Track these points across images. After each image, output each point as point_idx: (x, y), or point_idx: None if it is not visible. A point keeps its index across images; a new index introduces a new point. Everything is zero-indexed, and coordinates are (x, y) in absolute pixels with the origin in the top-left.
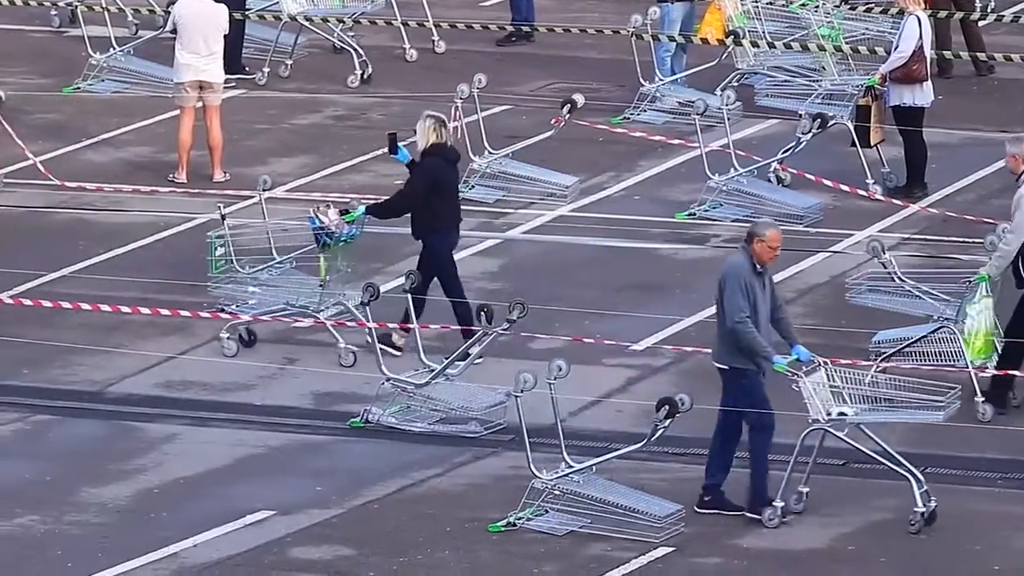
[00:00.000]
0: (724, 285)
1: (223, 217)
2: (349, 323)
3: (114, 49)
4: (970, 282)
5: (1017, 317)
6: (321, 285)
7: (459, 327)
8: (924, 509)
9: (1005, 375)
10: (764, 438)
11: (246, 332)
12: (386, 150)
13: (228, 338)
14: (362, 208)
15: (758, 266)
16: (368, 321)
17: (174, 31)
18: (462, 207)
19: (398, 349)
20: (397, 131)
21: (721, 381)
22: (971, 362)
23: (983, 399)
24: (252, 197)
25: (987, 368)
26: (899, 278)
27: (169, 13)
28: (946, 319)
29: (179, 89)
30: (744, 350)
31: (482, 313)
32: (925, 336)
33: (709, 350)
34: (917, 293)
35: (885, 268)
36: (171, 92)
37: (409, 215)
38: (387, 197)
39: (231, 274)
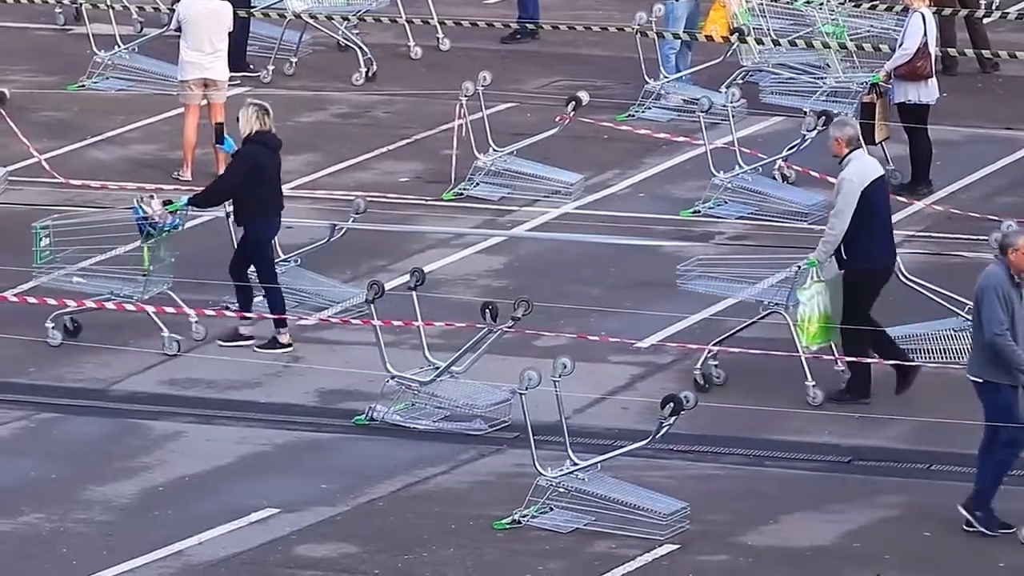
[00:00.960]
0: (982, 297)
1: (228, 215)
2: (354, 320)
3: (119, 47)
4: (799, 267)
5: (846, 306)
6: (144, 275)
7: (269, 315)
8: None
9: (859, 363)
10: (1009, 453)
11: (70, 322)
12: (214, 141)
13: (52, 328)
14: (185, 198)
15: (1016, 276)
16: (374, 318)
17: (178, 29)
18: (471, 205)
19: (248, 339)
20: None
21: (976, 395)
22: (805, 347)
23: (814, 384)
24: None
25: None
26: (903, 274)
27: (173, 11)
28: (776, 304)
29: (184, 87)
30: (1003, 364)
31: (487, 310)
32: (754, 321)
33: (712, 347)
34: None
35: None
36: (175, 90)
37: (232, 202)
38: (207, 185)
39: (54, 264)
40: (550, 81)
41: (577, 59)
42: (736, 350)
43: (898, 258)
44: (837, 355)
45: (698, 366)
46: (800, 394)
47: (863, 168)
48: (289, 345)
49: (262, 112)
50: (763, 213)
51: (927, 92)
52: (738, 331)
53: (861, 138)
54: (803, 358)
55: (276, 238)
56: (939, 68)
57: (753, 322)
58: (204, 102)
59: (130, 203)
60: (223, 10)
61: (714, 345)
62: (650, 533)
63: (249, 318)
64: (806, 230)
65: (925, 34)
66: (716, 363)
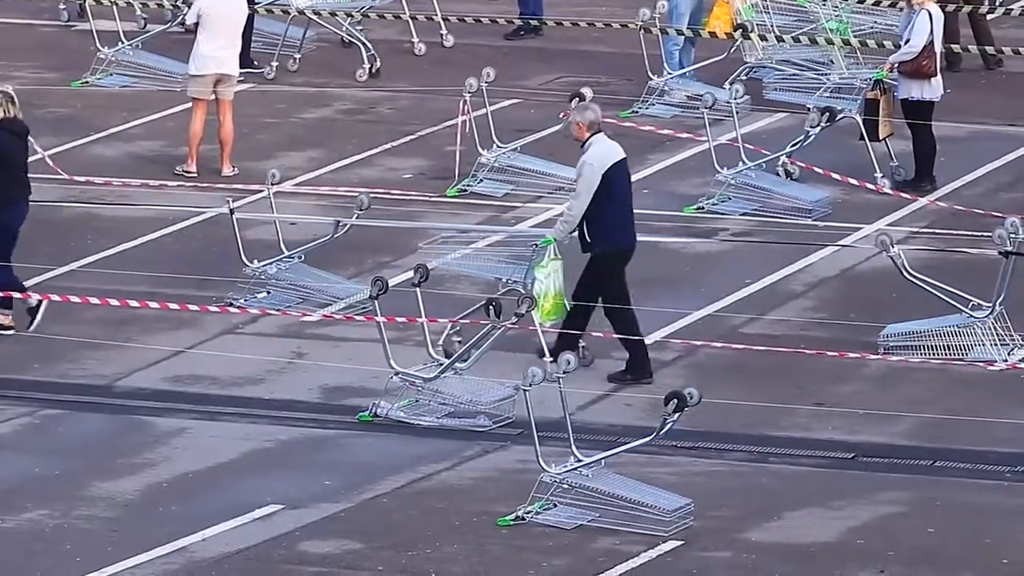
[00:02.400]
0: None
1: (231, 211)
2: (357, 317)
3: (123, 43)
4: (536, 245)
5: (583, 280)
6: None
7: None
8: None
9: (569, 334)
10: None
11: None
12: None
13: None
14: None
15: None
16: (378, 314)
17: (196, 24)
18: (474, 201)
19: (6, 329)
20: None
21: None
22: (540, 323)
23: (552, 360)
24: (261, 191)
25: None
26: (906, 271)
27: (179, 7)
28: (514, 281)
29: (197, 82)
30: None
31: (490, 307)
32: (494, 298)
33: (717, 344)
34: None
35: (893, 262)
36: (182, 85)
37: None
38: None
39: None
40: (554, 77)
41: (581, 55)
42: (740, 347)
43: (902, 255)
44: (605, 334)
45: (440, 341)
46: (802, 390)
47: (604, 151)
48: (9, 328)
49: (7, 99)
50: (767, 209)
51: (931, 89)
52: (477, 309)
53: (601, 123)
54: (540, 334)
55: (281, 234)
56: (943, 65)
57: (493, 299)
58: (212, 97)
59: (133, 199)
60: (243, 5)
61: (452, 320)
62: (654, 529)
63: (9, 305)
64: (810, 226)
65: (932, 32)
66: (459, 339)
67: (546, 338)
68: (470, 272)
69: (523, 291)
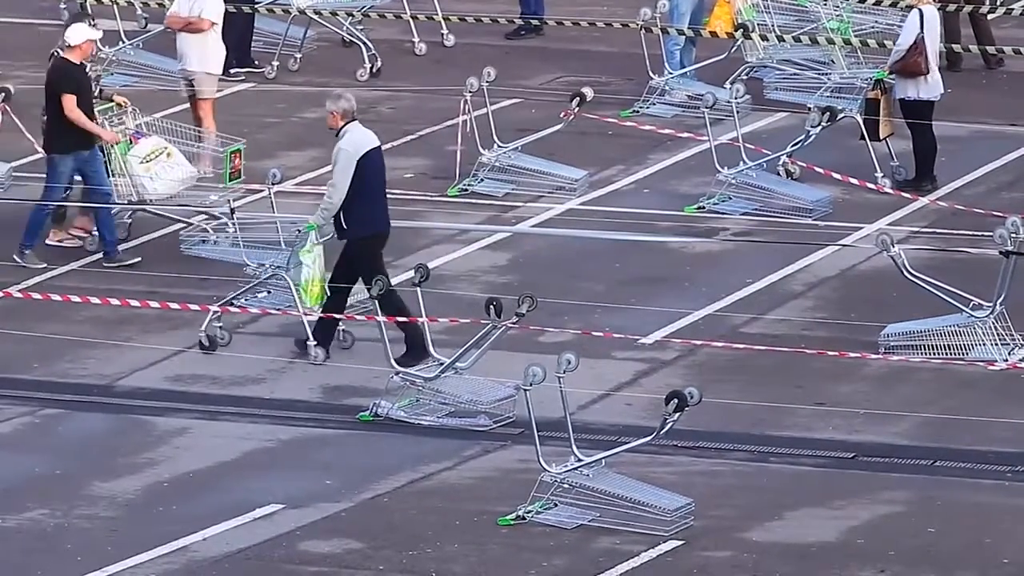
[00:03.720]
0: None
1: (232, 211)
2: (358, 317)
3: (123, 43)
4: (299, 231)
5: (339, 264)
6: None
7: None
8: None
9: (329, 318)
10: None
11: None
12: None
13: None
14: None
15: None
16: (379, 314)
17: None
18: (475, 201)
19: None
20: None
21: None
22: (308, 308)
23: (316, 343)
24: (262, 191)
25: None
26: (906, 271)
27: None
28: (277, 267)
29: (212, 80)
30: None
31: (491, 306)
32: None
33: (718, 343)
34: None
35: (894, 262)
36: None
37: None
38: None
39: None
40: (554, 77)
41: (581, 55)
42: (741, 346)
43: (903, 255)
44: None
45: (203, 328)
46: (803, 390)
47: (358, 139)
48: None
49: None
50: (767, 209)
51: (927, 89)
52: (242, 293)
53: (356, 111)
54: (304, 319)
55: (281, 234)
56: (943, 64)
57: (255, 284)
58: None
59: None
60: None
61: (218, 306)
62: (654, 529)
63: None
64: (810, 225)
65: (921, 30)
66: (220, 324)
67: (308, 321)
68: (227, 258)
69: (286, 277)
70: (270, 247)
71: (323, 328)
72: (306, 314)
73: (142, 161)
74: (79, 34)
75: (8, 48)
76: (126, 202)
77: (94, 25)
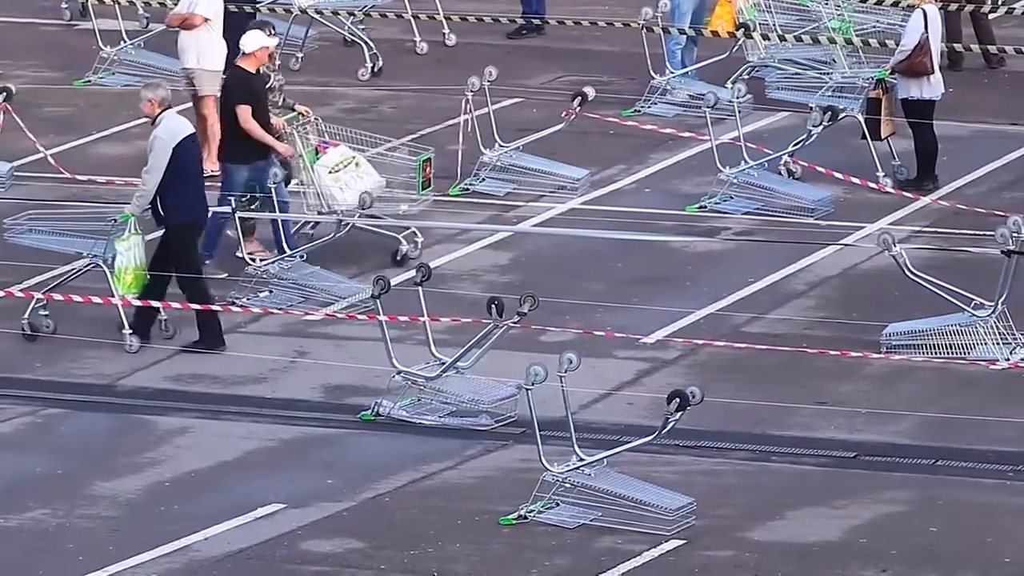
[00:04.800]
0: None
1: (233, 211)
2: (359, 316)
3: (125, 42)
4: (115, 221)
5: (158, 253)
6: None
7: None
8: None
9: (147, 306)
10: None
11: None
12: None
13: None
14: None
15: None
16: (380, 314)
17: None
18: (476, 200)
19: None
20: None
21: None
22: (121, 296)
23: (131, 331)
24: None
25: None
26: (908, 270)
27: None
28: (95, 256)
29: (215, 77)
30: None
31: (492, 306)
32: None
33: (720, 343)
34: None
35: (896, 261)
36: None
37: None
38: None
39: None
40: (556, 77)
41: (583, 55)
42: (742, 346)
43: (904, 254)
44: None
45: (26, 315)
46: (804, 389)
47: (173, 127)
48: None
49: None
50: (769, 208)
51: (930, 88)
52: (64, 281)
53: (170, 100)
54: (120, 308)
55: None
56: (944, 64)
57: (79, 273)
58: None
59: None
60: None
61: (42, 294)
62: (656, 528)
63: None
64: (812, 225)
65: (926, 30)
66: (46, 312)
67: (126, 311)
68: (50, 247)
69: (103, 265)
70: (92, 236)
71: (140, 316)
72: (123, 303)
73: (331, 171)
74: (254, 41)
75: (9, 48)
76: (315, 213)
77: (273, 33)
